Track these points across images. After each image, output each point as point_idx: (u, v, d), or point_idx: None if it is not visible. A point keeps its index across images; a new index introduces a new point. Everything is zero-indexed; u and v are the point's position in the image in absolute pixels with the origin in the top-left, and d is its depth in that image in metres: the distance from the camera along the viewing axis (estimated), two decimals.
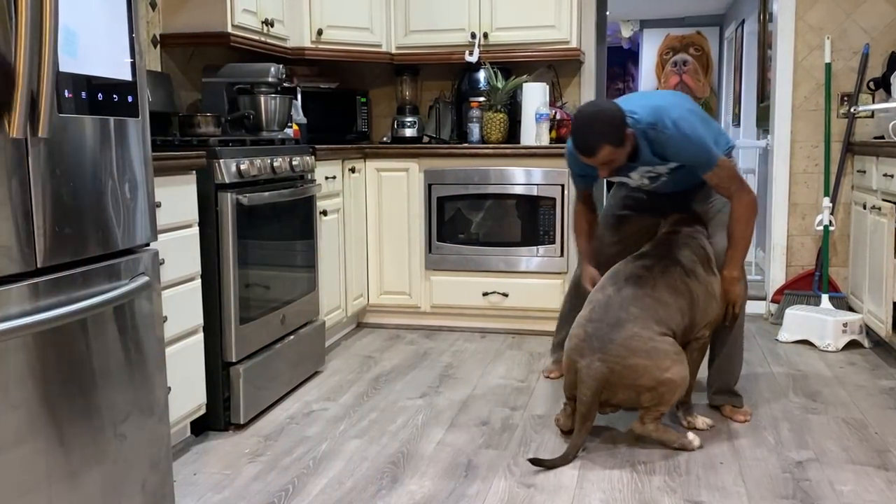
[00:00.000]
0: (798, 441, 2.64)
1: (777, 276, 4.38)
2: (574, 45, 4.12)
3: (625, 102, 2.60)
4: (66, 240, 1.66)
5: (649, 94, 2.68)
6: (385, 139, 4.56)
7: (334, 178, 3.71)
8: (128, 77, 1.84)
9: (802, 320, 3.87)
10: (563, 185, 3.90)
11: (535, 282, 4.01)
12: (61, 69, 1.62)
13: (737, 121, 7.78)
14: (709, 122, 2.66)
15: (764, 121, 5.62)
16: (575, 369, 2.50)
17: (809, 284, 4.24)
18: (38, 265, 1.58)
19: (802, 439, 2.65)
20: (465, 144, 4.14)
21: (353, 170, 3.95)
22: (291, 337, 3.16)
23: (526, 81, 4.11)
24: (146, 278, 1.87)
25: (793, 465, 2.45)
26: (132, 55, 1.86)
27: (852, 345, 3.78)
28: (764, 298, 4.47)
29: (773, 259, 4.38)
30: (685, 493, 2.27)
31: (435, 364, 3.58)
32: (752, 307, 4.49)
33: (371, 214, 4.18)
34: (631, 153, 2.57)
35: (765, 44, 6.01)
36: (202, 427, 2.73)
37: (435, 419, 2.88)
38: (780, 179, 4.33)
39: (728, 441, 2.64)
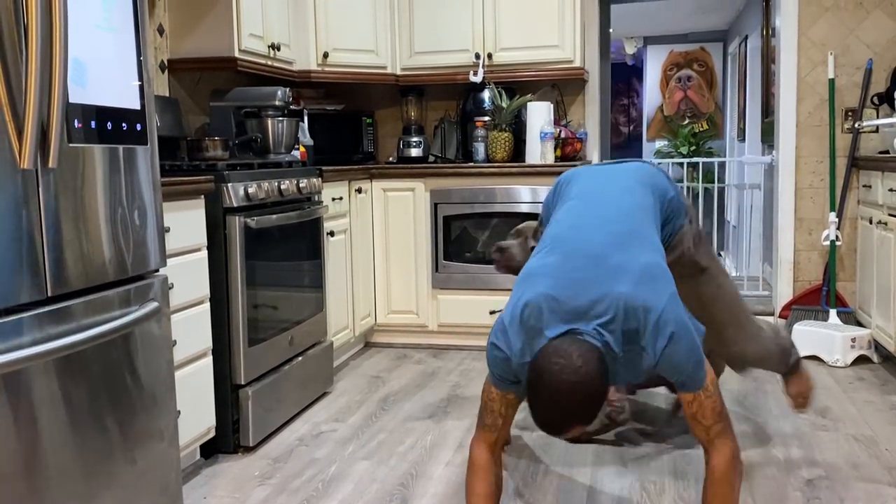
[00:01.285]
0: (808, 458, 2.63)
1: (784, 292, 4.37)
2: (578, 64, 4.15)
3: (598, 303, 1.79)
4: (77, 268, 1.68)
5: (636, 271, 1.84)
6: (391, 159, 4.59)
7: (341, 198, 3.74)
8: (136, 105, 1.87)
9: (810, 336, 3.87)
10: None
11: None
12: (71, 100, 1.64)
13: (742, 136, 7.79)
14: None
15: (769, 136, 5.63)
16: None
17: (817, 299, 4.24)
18: (49, 294, 1.60)
19: (812, 457, 2.65)
20: (471, 164, 4.17)
21: (359, 190, 3.97)
22: (300, 358, 3.17)
23: (530, 101, 4.13)
24: (156, 304, 1.89)
25: (803, 483, 2.44)
26: (141, 84, 1.88)
27: (861, 360, 3.77)
28: (771, 314, 4.46)
29: (779, 274, 4.38)
30: None
31: (443, 384, 3.58)
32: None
33: (378, 234, 4.20)
34: None
35: (768, 59, 6.03)
36: (212, 450, 2.74)
37: (443, 439, 2.88)
38: (785, 195, 4.33)
39: None
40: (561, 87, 4.50)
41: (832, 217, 4.12)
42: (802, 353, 3.88)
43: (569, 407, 1.70)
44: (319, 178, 3.40)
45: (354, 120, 4.43)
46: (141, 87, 1.88)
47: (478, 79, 4.21)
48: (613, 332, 1.78)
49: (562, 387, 1.68)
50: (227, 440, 2.75)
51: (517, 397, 1.95)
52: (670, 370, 1.82)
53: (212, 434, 2.66)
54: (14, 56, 1.49)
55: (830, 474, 2.50)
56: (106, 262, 1.77)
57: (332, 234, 3.58)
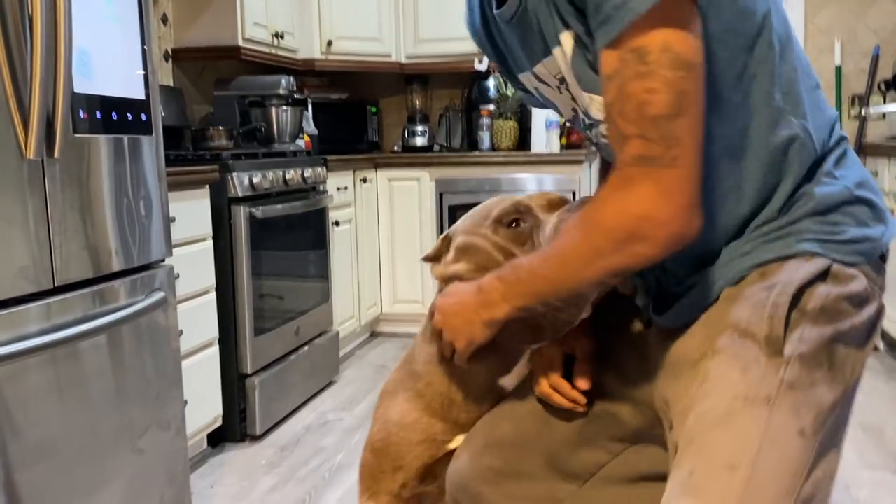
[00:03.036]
0: None
1: None
2: None
3: None
4: (83, 258, 1.68)
5: None
6: (396, 148, 4.58)
7: (346, 188, 3.73)
8: (141, 95, 1.87)
9: None
10: (573, 192, 3.90)
11: None
12: (76, 90, 1.64)
13: None
14: None
15: None
16: None
17: None
18: (56, 284, 1.60)
19: None
20: (476, 152, 4.16)
21: (364, 180, 3.97)
22: (306, 348, 3.18)
23: None
24: (162, 294, 1.89)
25: None
26: (145, 74, 1.88)
27: None
28: None
29: None
30: None
31: None
32: None
33: (383, 224, 4.19)
34: None
35: None
36: (219, 439, 2.75)
37: None
38: None
39: None
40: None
41: None
42: None
43: None
44: (324, 168, 3.39)
45: (359, 109, 4.42)
46: (146, 77, 1.88)
47: (483, 67, 4.19)
48: None
49: None
50: (234, 429, 2.76)
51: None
52: None
53: (219, 423, 2.67)
54: (19, 46, 1.49)
55: None
56: (112, 253, 1.77)
57: (337, 223, 3.58)
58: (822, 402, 0.91)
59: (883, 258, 0.99)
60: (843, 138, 1.02)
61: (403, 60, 4.38)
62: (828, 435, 0.92)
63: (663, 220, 0.87)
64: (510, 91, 4.10)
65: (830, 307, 0.92)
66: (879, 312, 0.98)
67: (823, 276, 0.93)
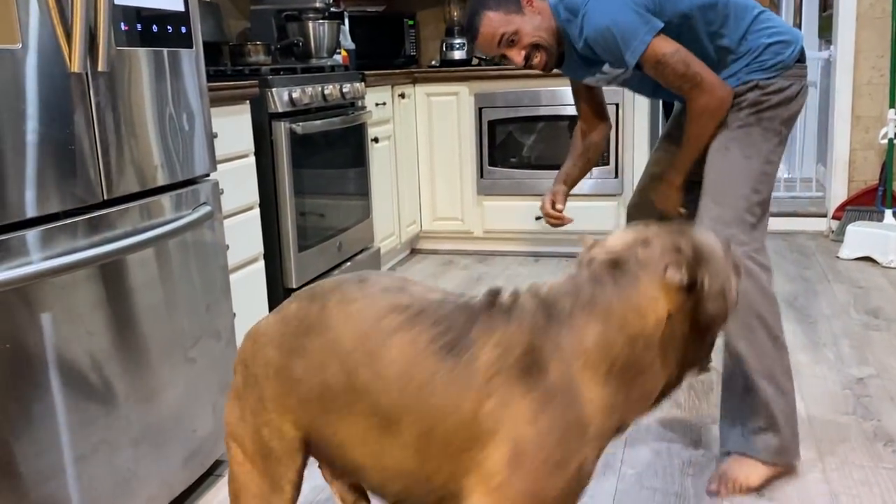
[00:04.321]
0: (859, 357, 2.62)
1: (838, 192, 4.27)
2: None
3: None
4: (129, 172, 1.70)
5: None
6: (434, 63, 4.51)
7: (384, 104, 3.70)
8: (180, 7, 1.85)
9: (864, 237, 3.79)
10: (616, 104, 3.82)
11: (589, 204, 3.98)
12: (116, 2, 1.63)
13: None
14: None
15: (826, 31, 5.39)
16: None
17: (872, 200, 4.13)
18: (105, 197, 1.62)
19: (863, 356, 2.63)
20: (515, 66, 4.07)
21: (402, 95, 3.92)
22: (348, 263, 3.21)
23: None
24: (208, 208, 1.91)
25: (853, 382, 2.43)
26: None
27: None
28: (825, 215, 4.37)
29: (834, 174, 4.26)
30: None
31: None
32: (813, 224, 4.40)
33: (422, 140, 4.16)
34: (557, 44, 2.07)
35: None
36: None
37: None
38: (842, 92, 4.17)
39: None
40: None
41: (891, 114, 3.97)
42: (856, 254, 3.81)
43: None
44: (362, 83, 3.36)
45: (396, 22, 4.33)
46: None
47: None
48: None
49: None
50: None
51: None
52: (601, 43, 1.87)
53: None
54: None
55: (881, 373, 2.49)
56: (157, 167, 1.78)
57: (376, 140, 3.56)
58: (758, 143, 1.85)
59: (801, 59, 1.88)
60: (762, 15, 1.88)
61: None
62: (765, 159, 1.86)
63: (722, 96, 1.84)
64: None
65: (756, 101, 1.84)
66: (801, 89, 1.88)
67: (754, 87, 1.85)
